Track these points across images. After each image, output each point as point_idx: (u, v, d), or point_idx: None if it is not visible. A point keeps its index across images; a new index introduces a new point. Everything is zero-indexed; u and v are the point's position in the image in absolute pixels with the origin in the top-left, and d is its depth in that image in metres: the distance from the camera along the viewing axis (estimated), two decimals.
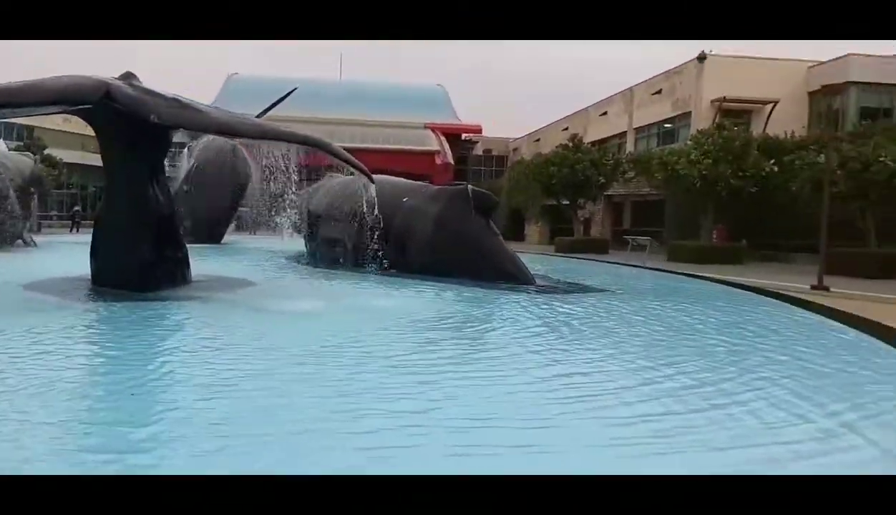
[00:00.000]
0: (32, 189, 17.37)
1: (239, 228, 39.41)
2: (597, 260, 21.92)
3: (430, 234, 12.96)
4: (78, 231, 30.87)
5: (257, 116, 27.13)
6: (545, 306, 9.11)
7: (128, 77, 7.90)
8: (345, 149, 38.75)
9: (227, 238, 24.83)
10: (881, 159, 17.94)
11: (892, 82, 27.67)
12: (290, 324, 7.02)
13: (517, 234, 41.36)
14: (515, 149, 56.05)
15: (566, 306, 9.21)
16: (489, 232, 12.65)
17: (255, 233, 29.60)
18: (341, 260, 14.72)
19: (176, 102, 7.69)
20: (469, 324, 7.60)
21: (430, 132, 52.26)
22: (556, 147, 31.61)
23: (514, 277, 11.93)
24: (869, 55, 27.48)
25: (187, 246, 9.46)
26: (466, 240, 12.50)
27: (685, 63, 31.25)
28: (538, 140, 49.49)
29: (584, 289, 11.99)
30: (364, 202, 10.98)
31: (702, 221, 24.86)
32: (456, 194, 13.12)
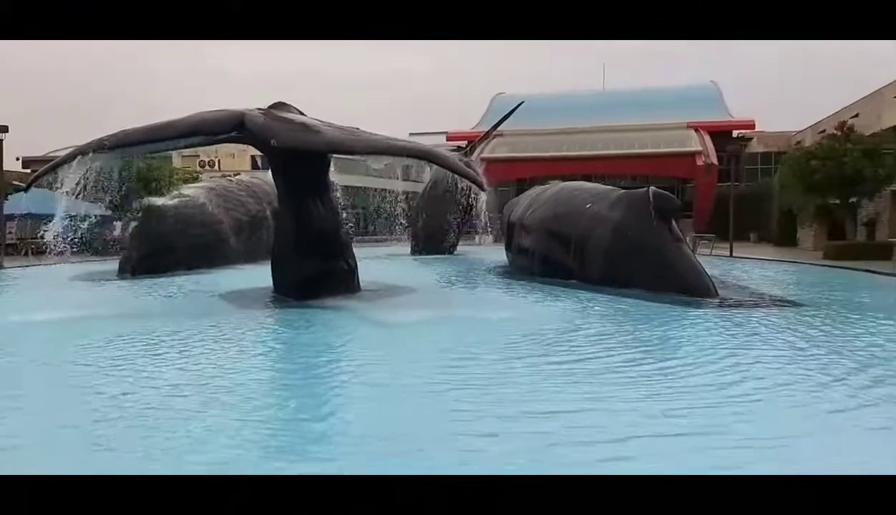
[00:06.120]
0: None
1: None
2: (855, 270, 18.51)
3: (608, 242, 12.36)
4: None
5: (487, 132, 28.50)
6: (689, 327, 8.17)
7: (279, 106, 9.09)
8: (596, 156, 38.41)
9: (462, 248, 26.19)
10: None
11: None
12: (389, 335, 7.43)
13: (789, 239, 36.53)
14: (798, 143, 49.54)
15: (720, 327, 8.10)
16: (671, 239, 11.62)
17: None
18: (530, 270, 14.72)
19: (300, 126, 8.61)
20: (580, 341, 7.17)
21: (692, 132, 48.86)
22: (821, 137, 27.28)
23: (694, 289, 10.79)
24: None
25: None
26: (645, 249, 11.66)
27: None
28: (823, 132, 43.20)
29: (780, 304, 10.34)
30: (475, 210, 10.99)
31: None
32: (637, 199, 12.30)
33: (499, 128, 32.15)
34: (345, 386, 5.40)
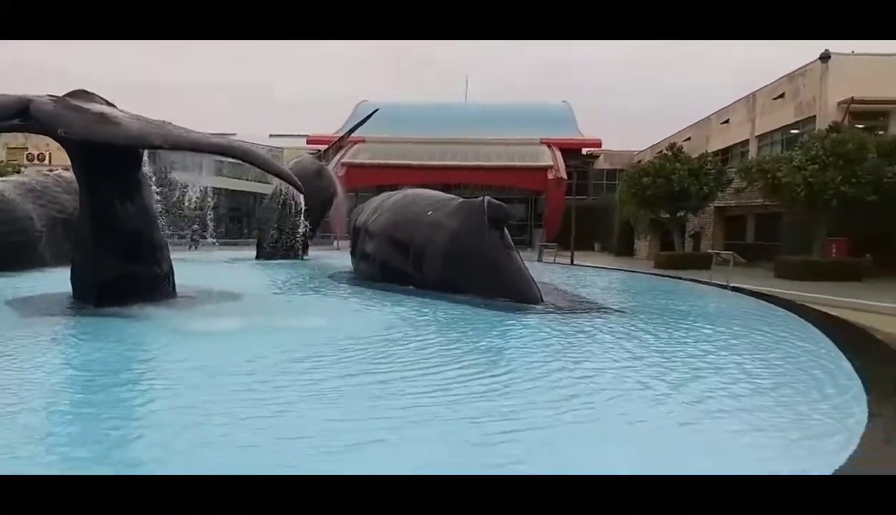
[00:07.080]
0: None
1: None
2: (679, 278, 20.03)
3: (444, 249, 12.40)
4: (197, 248, 32.87)
5: (341, 137, 28.03)
6: (499, 327, 8.26)
7: (78, 95, 8.20)
8: (456, 166, 38.77)
9: (316, 253, 25.49)
10: None
11: None
12: (191, 344, 6.82)
13: (628, 249, 39.20)
14: (639, 162, 53.38)
15: (524, 330, 8.28)
16: (502, 246, 11.85)
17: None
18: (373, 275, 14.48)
19: (96, 116, 7.82)
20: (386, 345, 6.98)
21: (544, 148, 51.16)
22: (654, 156, 29.53)
23: (521, 295, 11.05)
24: None
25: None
26: (478, 256, 11.81)
27: (809, 63, 28.09)
28: (660, 152, 46.86)
29: (597, 310, 10.82)
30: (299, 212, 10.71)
31: (814, 234, 22.00)
32: (475, 208, 12.43)
33: (362, 135, 31.68)
34: (116, 410, 4.76)
